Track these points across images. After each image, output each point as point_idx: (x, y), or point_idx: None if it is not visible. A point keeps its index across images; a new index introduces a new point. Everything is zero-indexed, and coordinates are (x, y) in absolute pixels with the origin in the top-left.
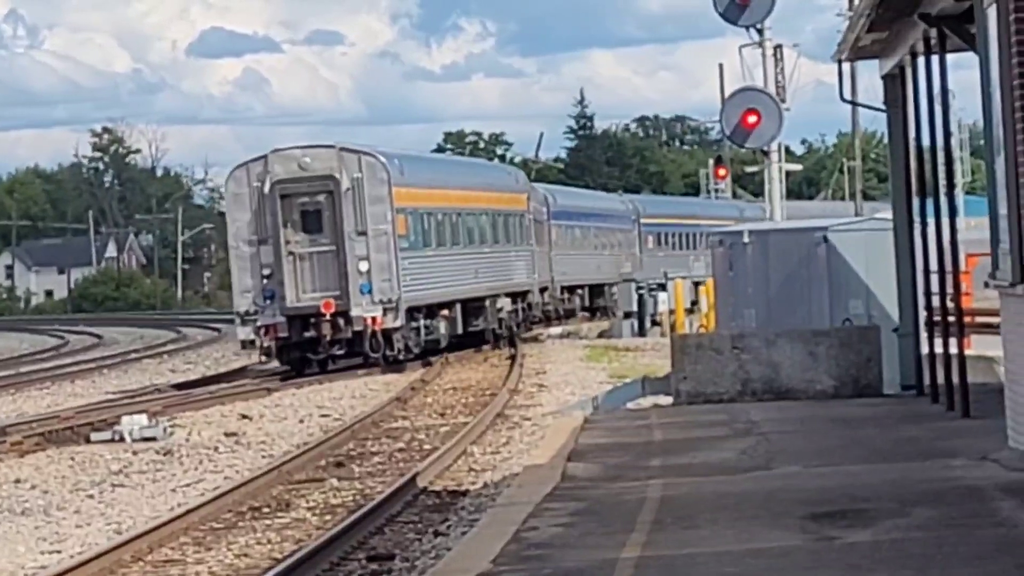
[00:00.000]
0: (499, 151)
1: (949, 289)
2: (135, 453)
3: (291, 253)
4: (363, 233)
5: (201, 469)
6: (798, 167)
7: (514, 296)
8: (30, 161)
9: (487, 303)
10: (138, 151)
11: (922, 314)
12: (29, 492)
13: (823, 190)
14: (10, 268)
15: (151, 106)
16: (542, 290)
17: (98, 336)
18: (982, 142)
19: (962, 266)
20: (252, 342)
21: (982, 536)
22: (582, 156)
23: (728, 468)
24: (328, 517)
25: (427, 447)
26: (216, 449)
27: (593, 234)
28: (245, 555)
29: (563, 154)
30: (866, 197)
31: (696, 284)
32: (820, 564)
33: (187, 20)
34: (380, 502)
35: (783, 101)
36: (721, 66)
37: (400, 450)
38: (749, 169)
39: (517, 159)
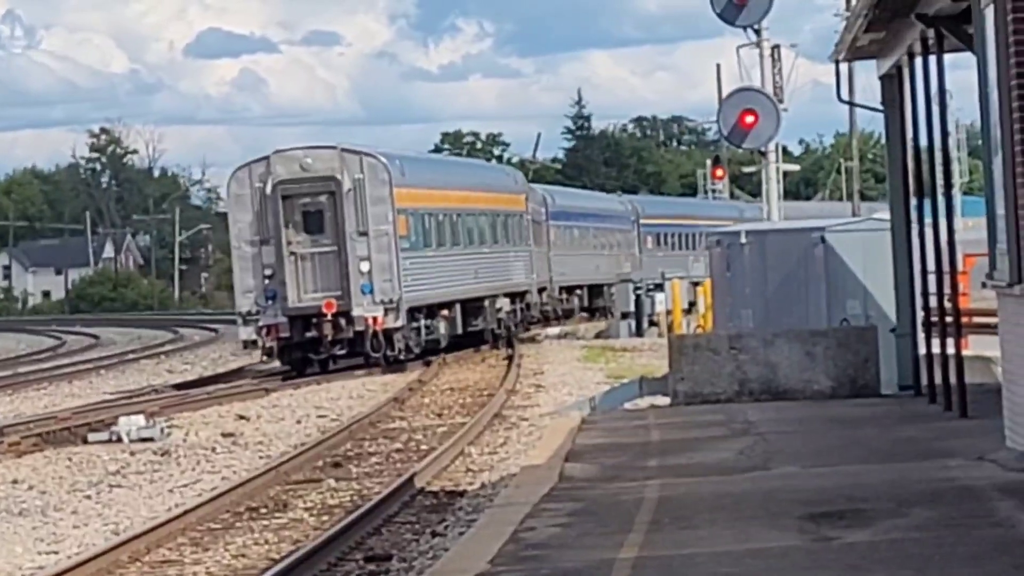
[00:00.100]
0: (496, 151)
1: (947, 289)
2: (132, 454)
3: (293, 253)
4: (364, 233)
5: (198, 470)
6: (796, 167)
7: (513, 296)
8: (27, 161)
9: (486, 303)
10: (135, 151)
11: (920, 314)
12: (26, 493)
13: (821, 190)
14: (7, 269)
15: (148, 106)
16: (540, 290)
17: (95, 337)
18: (979, 142)
19: (960, 266)
20: (254, 342)
21: (980, 536)
22: (579, 156)
23: (726, 468)
24: (325, 517)
25: (425, 448)
26: (213, 450)
27: (592, 235)
28: (243, 555)
29: (560, 154)
30: (864, 197)
31: (695, 285)
32: (818, 564)
33: (184, 21)
34: (378, 503)
35: (781, 101)
36: (719, 66)
37: (398, 450)
38: (747, 169)
39: (515, 159)
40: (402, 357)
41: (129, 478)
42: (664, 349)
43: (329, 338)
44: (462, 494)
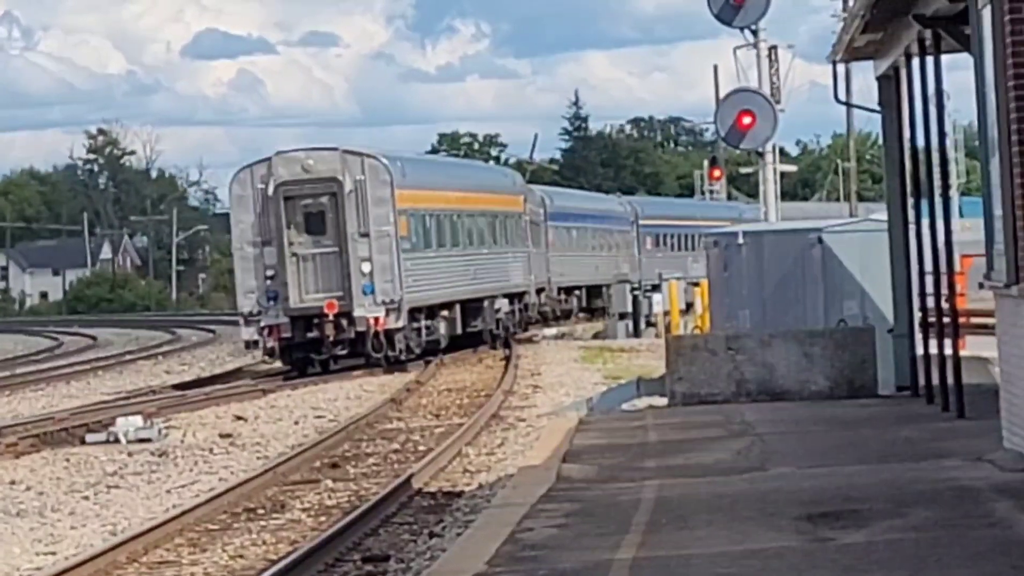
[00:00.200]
0: (494, 152)
1: (944, 290)
2: (130, 454)
3: (294, 254)
4: (366, 235)
5: (196, 470)
6: (793, 168)
7: (511, 297)
8: (25, 163)
9: (485, 304)
10: (133, 153)
11: (917, 315)
12: (24, 493)
13: (818, 191)
14: (5, 270)
15: (146, 107)
16: (539, 291)
17: (93, 338)
18: (977, 143)
19: (957, 267)
20: (256, 342)
21: (977, 537)
22: (577, 157)
23: (723, 469)
24: (323, 518)
25: (422, 448)
26: (211, 450)
27: (590, 235)
28: (240, 556)
29: (558, 155)
30: (861, 198)
31: (694, 285)
32: (815, 565)
33: (182, 22)
34: (375, 503)
35: (778, 102)
36: (716, 67)
37: (395, 451)
38: (744, 170)
39: (512, 160)
40: (403, 358)
41: (127, 479)
42: (661, 350)
43: (331, 338)
44: (460, 495)
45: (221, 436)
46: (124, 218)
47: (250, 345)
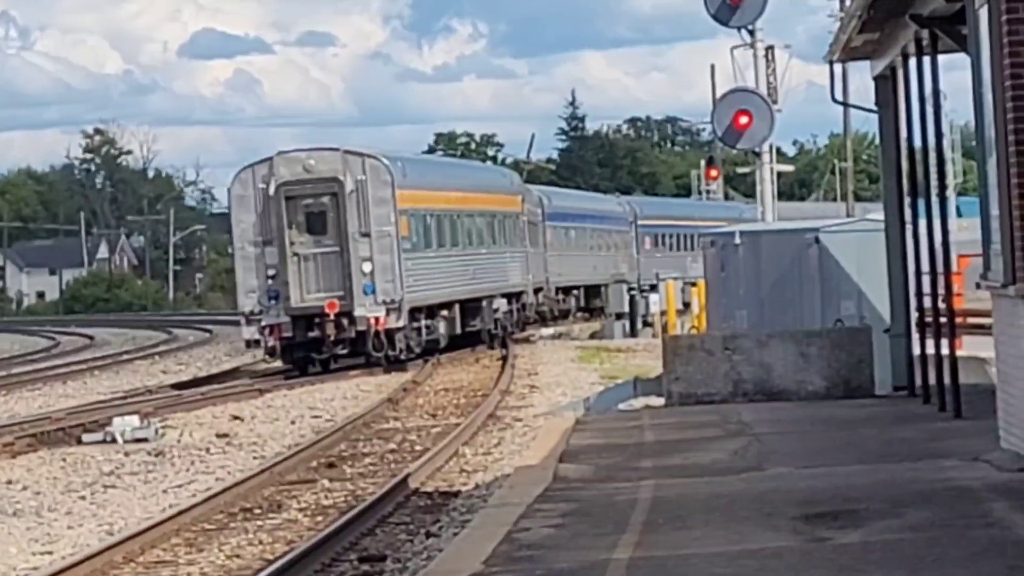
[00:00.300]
0: (490, 152)
1: (941, 290)
2: (127, 454)
3: (295, 254)
4: (367, 234)
5: (193, 470)
6: (790, 168)
7: (509, 297)
8: (22, 162)
9: (484, 304)
10: (129, 152)
11: (914, 315)
12: (21, 493)
13: (815, 191)
14: (2, 269)
15: (143, 107)
16: (536, 291)
17: (90, 337)
18: (973, 143)
19: (954, 267)
20: (257, 342)
21: (974, 537)
22: (573, 157)
23: (720, 469)
24: (320, 518)
25: (419, 448)
26: (208, 450)
27: (589, 235)
28: (237, 556)
29: (554, 155)
30: (858, 198)
31: (693, 285)
32: (812, 565)
33: (179, 21)
34: (372, 503)
35: (775, 102)
36: (713, 67)
37: (392, 451)
38: (741, 170)
39: (509, 160)
40: (403, 357)
41: (123, 479)
42: (658, 350)
43: (331, 338)
44: (456, 495)
45: (218, 436)
46: (121, 218)
47: (251, 344)
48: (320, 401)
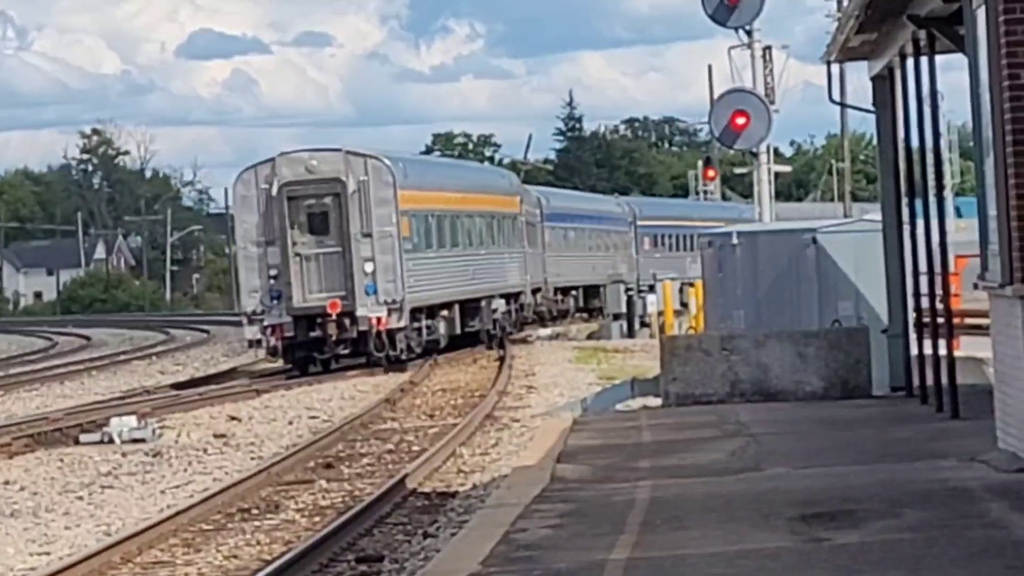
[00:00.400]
0: (488, 152)
1: (938, 290)
2: (124, 455)
3: (298, 254)
4: (368, 235)
5: (190, 471)
6: (787, 168)
7: (507, 297)
8: (19, 163)
9: (483, 304)
10: (127, 152)
11: (911, 315)
12: (18, 494)
13: (812, 192)
14: None
15: (140, 107)
16: (535, 291)
17: (87, 338)
18: (971, 143)
19: (951, 267)
20: (259, 341)
21: (972, 537)
22: (571, 157)
23: (717, 469)
24: (317, 518)
25: (416, 449)
26: (205, 451)
27: (587, 236)
28: (234, 556)
29: (552, 155)
30: (855, 198)
31: (689, 286)
32: (809, 565)
33: (176, 22)
34: (369, 503)
35: (772, 102)
36: (710, 67)
37: (389, 451)
38: (738, 170)
39: (506, 160)
40: (404, 357)
41: (121, 479)
42: (656, 350)
43: (333, 338)
44: (454, 495)
45: (215, 436)
46: (118, 218)
47: (253, 344)
48: (318, 401)
